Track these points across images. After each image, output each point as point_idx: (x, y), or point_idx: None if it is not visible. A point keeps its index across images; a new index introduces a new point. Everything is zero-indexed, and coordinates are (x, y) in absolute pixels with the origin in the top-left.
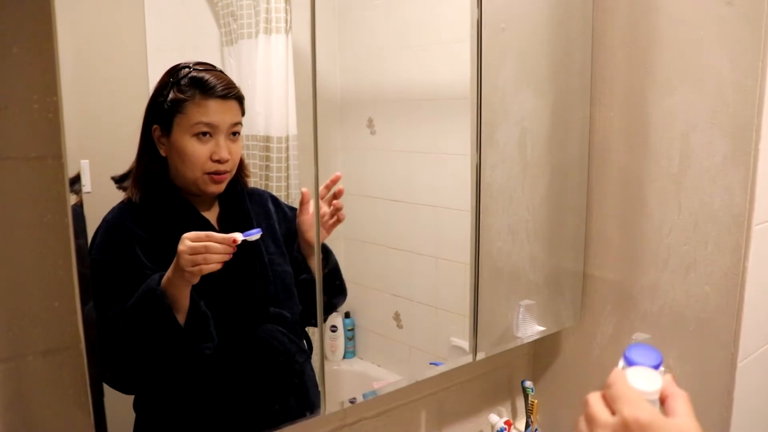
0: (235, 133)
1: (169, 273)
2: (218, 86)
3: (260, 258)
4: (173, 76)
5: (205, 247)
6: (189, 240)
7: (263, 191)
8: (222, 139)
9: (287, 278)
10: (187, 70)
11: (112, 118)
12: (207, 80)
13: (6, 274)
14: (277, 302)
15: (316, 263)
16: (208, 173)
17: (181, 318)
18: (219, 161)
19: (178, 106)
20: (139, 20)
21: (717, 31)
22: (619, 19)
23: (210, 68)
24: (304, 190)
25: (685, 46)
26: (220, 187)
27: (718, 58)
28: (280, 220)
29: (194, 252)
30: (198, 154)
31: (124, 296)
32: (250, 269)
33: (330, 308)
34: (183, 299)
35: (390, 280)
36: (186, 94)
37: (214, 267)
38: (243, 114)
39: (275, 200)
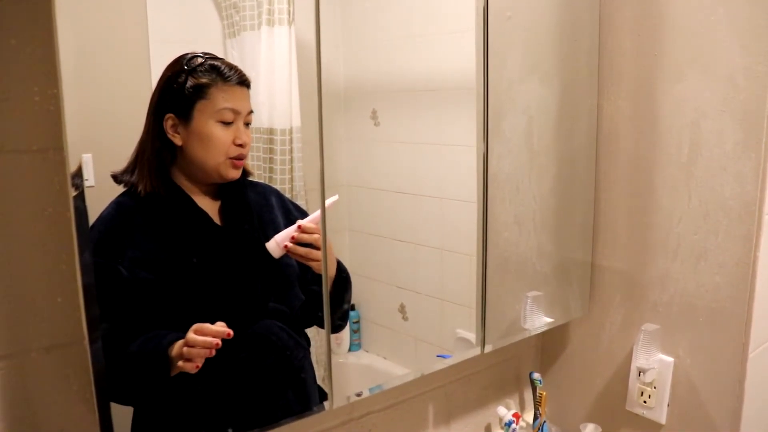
0: (248, 124)
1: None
2: (234, 73)
3: (260, 251)
4: (186, 64)
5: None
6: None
7: (267, 185)
8: (241, 125)
9: (288, 270)
10: (200, 58)
11: (116, 112)
12: (224, 68)
13: (8, 269)
14: (278, 296)
15: (322, 259)
16: (231, 158)
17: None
18: (242, 145)
19: (200, 92)
20: (141, 12)
21: (727, 16)
22: (626, 5)
23: (218, 57)
24: None
25: (695, 32)
26: (239, 173)
27: (728, 44)
28: (282, 215)
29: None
30: (224, 139)
31: (115, 300)
32: (250, 263)
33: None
34: None
35: (395, 272)
36: (208, 79)
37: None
38: None
39: (279, 195)
